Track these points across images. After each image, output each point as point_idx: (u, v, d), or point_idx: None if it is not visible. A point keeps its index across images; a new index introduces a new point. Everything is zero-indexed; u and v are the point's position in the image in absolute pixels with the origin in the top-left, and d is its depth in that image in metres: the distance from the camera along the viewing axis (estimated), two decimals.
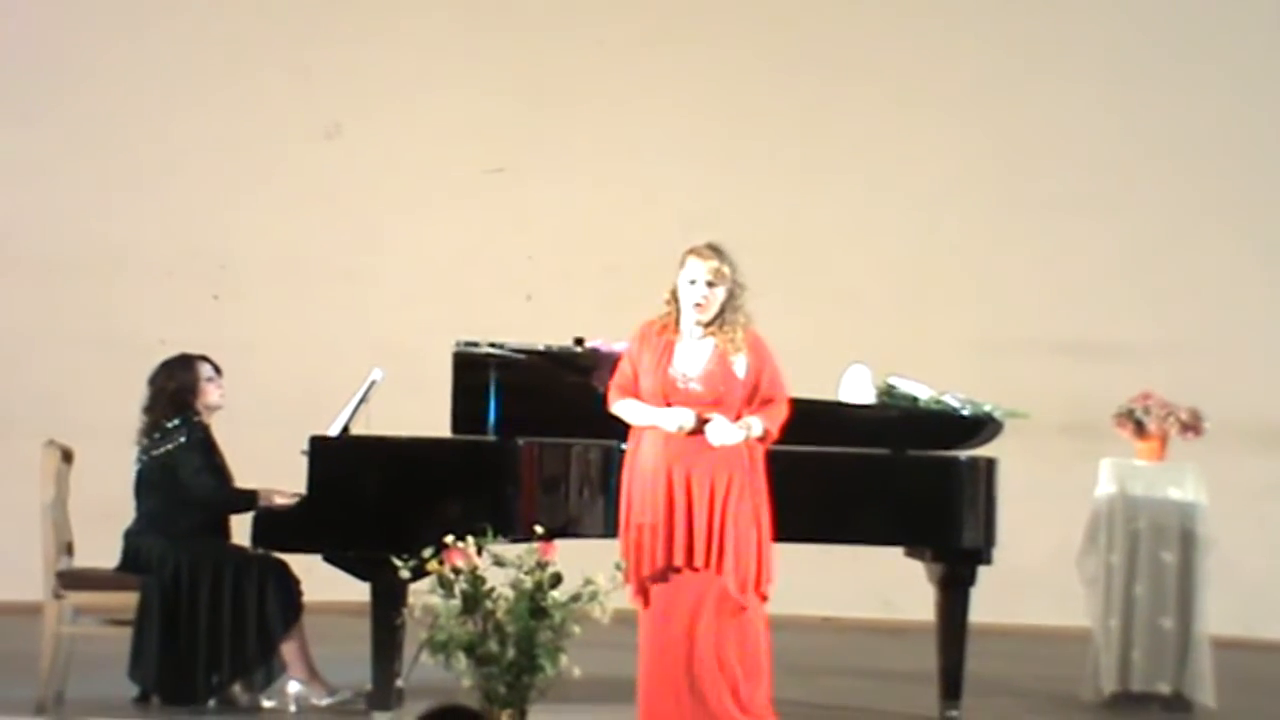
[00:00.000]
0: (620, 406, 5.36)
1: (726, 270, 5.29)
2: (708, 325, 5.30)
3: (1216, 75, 8.65)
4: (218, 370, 6.14)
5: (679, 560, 5.22)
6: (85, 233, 8.55)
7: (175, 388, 6.03)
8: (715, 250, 5.32)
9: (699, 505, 5.23)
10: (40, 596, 5.99)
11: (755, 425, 5.26)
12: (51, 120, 8.58)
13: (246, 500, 5.92)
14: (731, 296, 5.30)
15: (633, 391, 5.34)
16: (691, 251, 5.33)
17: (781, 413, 5.32)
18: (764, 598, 5.28)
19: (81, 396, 8.12)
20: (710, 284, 5.28)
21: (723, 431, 5.23)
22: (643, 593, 5.25)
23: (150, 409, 6.05)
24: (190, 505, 5.96)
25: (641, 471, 5.30)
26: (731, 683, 5.20)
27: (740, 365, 5.29)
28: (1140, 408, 6.67)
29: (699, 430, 5.23)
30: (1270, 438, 8.42)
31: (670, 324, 5.34)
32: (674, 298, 5.34)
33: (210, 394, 6.08)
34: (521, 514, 5.69)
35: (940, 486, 6.05)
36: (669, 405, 5.27)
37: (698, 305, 5.28)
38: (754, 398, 5.30)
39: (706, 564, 5.22)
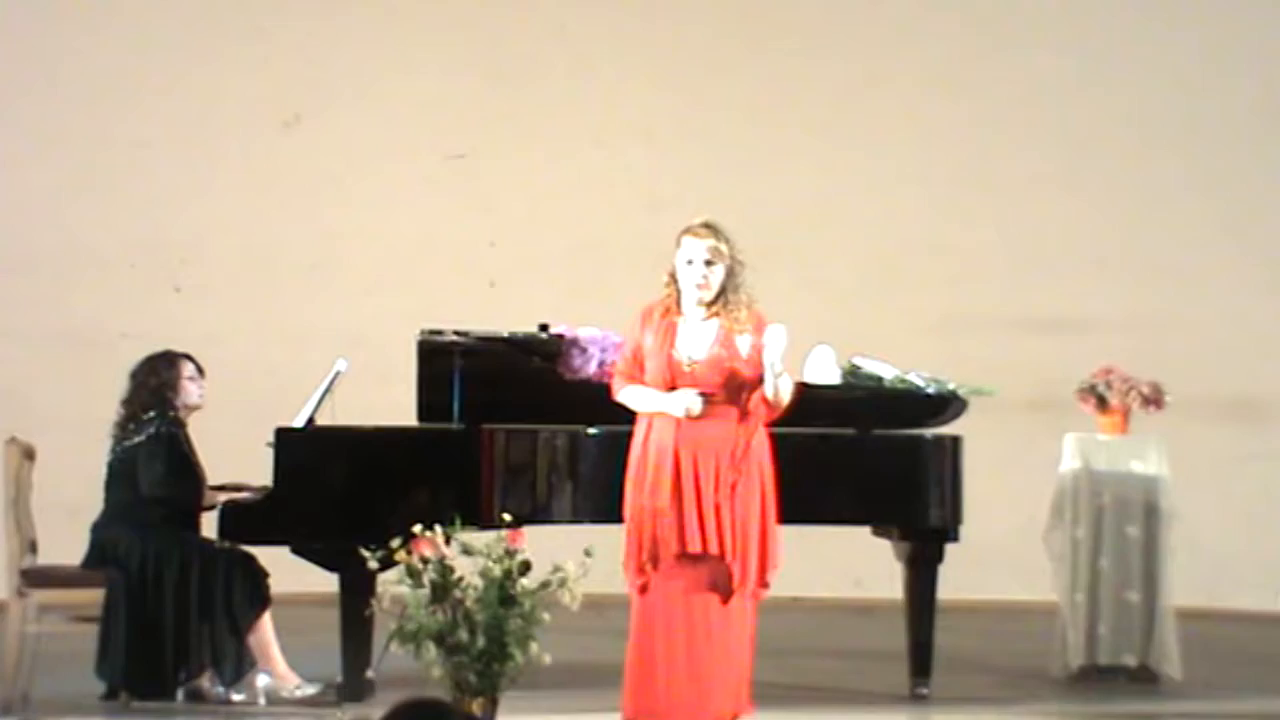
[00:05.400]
0: (625, 394, 5.25)
1: (724, 248, 5.18)
2: (710, 305, 5.19)
3: (1181, 50, 8.67)
4: (200, 370, 6.09)
5: (693, 546, 5.08)
6: (44, 226, 8.48)
7: (156, 384, 5.99)
8: (711, 228, 5.21)
9: (705, 488, 5.10)
10: (4, 595, 5.95)
11: (787, 381, 5.11)
12: (9, 114, 8.50)
13: (190, 494, 5.88)
14: (731, 274, 5.19)
15: (636, 377, 5.22)
16: (687, 231, 5.21)
17: (792, 388, 5.19)
18: (765, 585, 5.18)
19: (43, 392, 8.06)
20: (709, 263, 5.17)
21: (777, 340, 5.04)
22: (643, 575, 5.13)
23: (129, 402, 6.01)
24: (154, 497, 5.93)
25: (650, 455, 5.15)
26: (738, 668, 5.15)
27: (745, 344, 5.16)
28: (1102, 382, 6.70)
29: (708, 413, 5.09)
30: (1231, 409, 8.48)
31: (672, 306, 5.21)
32: (673, 279, 5.22)
33: (190, 393, 6.04)
34: (489, 502, 5.68)
35: (906, 465, 6.07)
36: (674, 389, 5.14)
37: (698, 285, 5.16)
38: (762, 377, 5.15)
39: (705, 548, 5.08)
